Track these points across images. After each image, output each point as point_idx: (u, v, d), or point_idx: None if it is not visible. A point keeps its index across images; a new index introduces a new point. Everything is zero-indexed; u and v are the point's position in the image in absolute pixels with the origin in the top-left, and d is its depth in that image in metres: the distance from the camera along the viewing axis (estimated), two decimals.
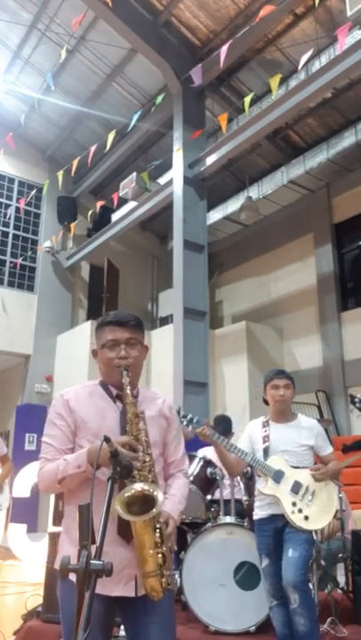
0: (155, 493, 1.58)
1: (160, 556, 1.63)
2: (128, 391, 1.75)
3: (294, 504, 2.84)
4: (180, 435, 2.00)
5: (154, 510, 1.54)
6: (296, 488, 2.87)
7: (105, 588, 1.64)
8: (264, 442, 3.00)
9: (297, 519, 2.80)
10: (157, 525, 1.64)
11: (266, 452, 2.97)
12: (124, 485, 1.60)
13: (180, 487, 1.91)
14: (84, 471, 1.67)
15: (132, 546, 1.67)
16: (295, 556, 2.70)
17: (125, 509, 1.54)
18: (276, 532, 2.86)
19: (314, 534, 2.90)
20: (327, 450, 3.05)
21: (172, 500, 1.84)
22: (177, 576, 3.29)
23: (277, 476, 2.89)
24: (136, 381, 1.89)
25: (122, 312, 1.92)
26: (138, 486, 1.59)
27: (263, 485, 2.91)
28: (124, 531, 1.67)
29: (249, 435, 3.11)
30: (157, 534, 1.64)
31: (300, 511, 2.82)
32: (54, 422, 1.83)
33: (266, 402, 3.16)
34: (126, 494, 1.57)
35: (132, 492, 1.58)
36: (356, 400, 3.14)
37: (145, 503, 1.57)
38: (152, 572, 1.61)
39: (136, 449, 1.67)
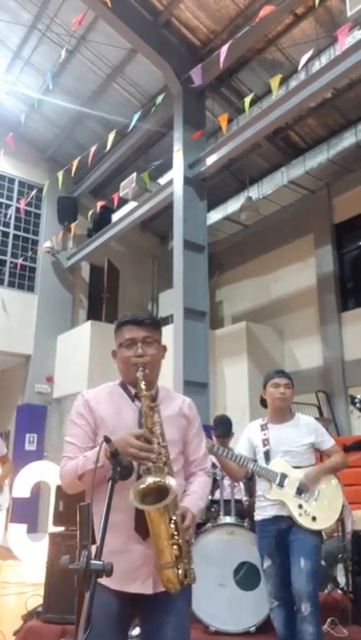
0: (168, 483, 1.59)
1: (176, 547, 1.63)
2: (142, 385, 1.78)
3: (300, 506, 2.83)
4: (202, 433, 2.00)
5: (168, 498, 1.56)
6: (301, 490, 2.87)
7: (121, 583, 1.67)
8: (264, 445, 2.99)
9: (305, 521, 2.80)
10: (173, 517, 1.65)
11: (267, 455, 2.96)
12: (140, 477, 1.64)
13: (200, 485, 1.91)
14: (102, 466, 1.67)
15: (149, 543, 1.68)
16: (308, 567, 2.70)
17: (140, 500, 1.57)
18: (279, 532, 2.85)
19: (323, 534, 2.89)
20: (328, 443, 3.02)
21: (193, 496, 1.84)
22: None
23: (281, 480, 2.88)
24: (154, 379, 1.92)
25: (138, 313, 1.96)
26: (151, 479, 1.62)
27: (267, 490, 2.90)
28: (141, 527, 1.68)
29: (248, 438, 3.10)
30: (173, 525, 1.64)
31: (306, 513, 2.82)
32: (75, 422, 1.87)
33: (263, 404, 3.15)
34: (141, 486, 1.59)
35: (147, 484, 1.60)
36: (357, 401, 3.13)
37: (159, 494, 1.58)
38: (168, 563, 1.62)
39: (150, 441, 1.69)
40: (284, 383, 3.02)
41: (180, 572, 1.62)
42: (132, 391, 1.88)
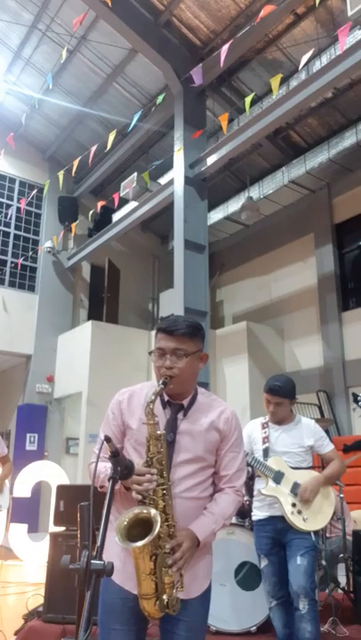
0: (153, 519, 1.57)
1: (153, 583, 1.61)
2: (151, 407, 1.70)
3: (294, 505, 2.85)
4: (239, 448, 1.90)
5: (146, 540, 1.53)
6: (295, 489, 2.88)
7: (131, 585, 1.69)
8: (264, 442, 3.01)
9: (296, 520, 2.81)
10: (157, 551, 1.63)
11: (266, 452, 2.98)
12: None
13: (221, 505, 1.81)
14: (118, 487, 1.70)
15: None
16: (305, 564, 2.72)
17: (125, 534, 1.56)
18: (275, 532, 2.87)
19: (313, 534, 2.88)
20: (327, 447, 3.03)
21: (207, 519, 1.77)
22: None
23: (277, 477, 2.89)
24: (183, 391, 1.85)
25: (176, 319, 1.85)
26: (127, 515, 1.60)
27: (263, 486, 2.92)
28: None
29: (248, 435, 3.12)
30: (152, 561, 1.62)
31: (299, 512, 2.83)
32: (108, 420, 1.89)
33: None
34: (123, 524, 1.58)
35: (127, 521, 1.59)
36: (360, 398, 3.13)
37: (147, 526, 1.57)
38: (147, 594, 1.62)
39: (149, 472, 1.67)
40: (275, 402, 2.99)
41: (158, 602, 1.62)
42: (166, 398, 1.84)
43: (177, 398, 1.85)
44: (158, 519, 1.57)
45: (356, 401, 3.19)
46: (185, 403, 1.85)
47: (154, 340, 1.91)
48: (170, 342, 1.80)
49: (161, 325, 1.85)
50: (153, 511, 1.60)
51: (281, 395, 2.98)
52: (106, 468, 1.70)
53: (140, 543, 1.53)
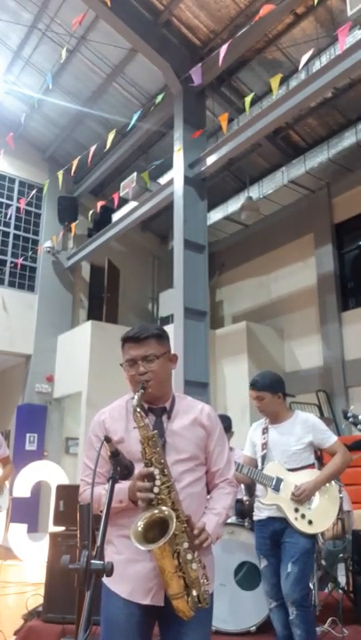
0: (168, 518, 1.59)
1: (182, 579, 1.63)
2: (138, 410, 1.71)
3: (297, 510, 2.81)
4: (223, 441, 1.96)
5: (166, 537, 1.55)
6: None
7: (136, 596, 1.68)
8: (263, 449, 2.99)
9: (301, 525, 2.78)
10: (179, 547, 1.63)
11: (264, 460, 2.96)
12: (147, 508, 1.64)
13: (220, 499, 1.88)
14: (125, 505, 1.70)
15: None
16: (295, 571, 2.68)
17: (142, 537, 1.57)
18: (274, 533, 2.85)
19: (320, 536, 2.87)
20: (329, 441, 2.94)
21: (211, 512, 1.82)
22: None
23: (277, 485, 2.87)
24: (163, 393, 1.89)
25: (141, 327, 1.89)
26: (145, 516, 1.61)
27: (263, 495, 2.89)
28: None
29: (252, 441, 3.12)
30: (176, 558, 1.63)
31: (303, 516, 2.80)
32: (93, 444, 1.87)
33: None
34: (138, 528, 1.59)
35: (142, 524, 1.60)
36: (350, 415, 3.09)
37: (163, 526, 1.58)
38: (176, 594, 1.62)
39: (152, 475, 1.67)
40: (255, 396, 2.99)
41: (190, 599, 1.63)
42: (145, 406, 1.85)
43: (157, 403, 1.88)
44: (173, 515, 1.59)
45: (345, 417, 3.15)
46: (167, 405, 1.89)
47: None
48: (139, 350, 1.84)
49: (128, 335, 1.88)
50: (165, 509, 1.61)
51: (258, 388, 2.97)
52: (100, 495, 1.68)
53: (161, 541, 1.54)
